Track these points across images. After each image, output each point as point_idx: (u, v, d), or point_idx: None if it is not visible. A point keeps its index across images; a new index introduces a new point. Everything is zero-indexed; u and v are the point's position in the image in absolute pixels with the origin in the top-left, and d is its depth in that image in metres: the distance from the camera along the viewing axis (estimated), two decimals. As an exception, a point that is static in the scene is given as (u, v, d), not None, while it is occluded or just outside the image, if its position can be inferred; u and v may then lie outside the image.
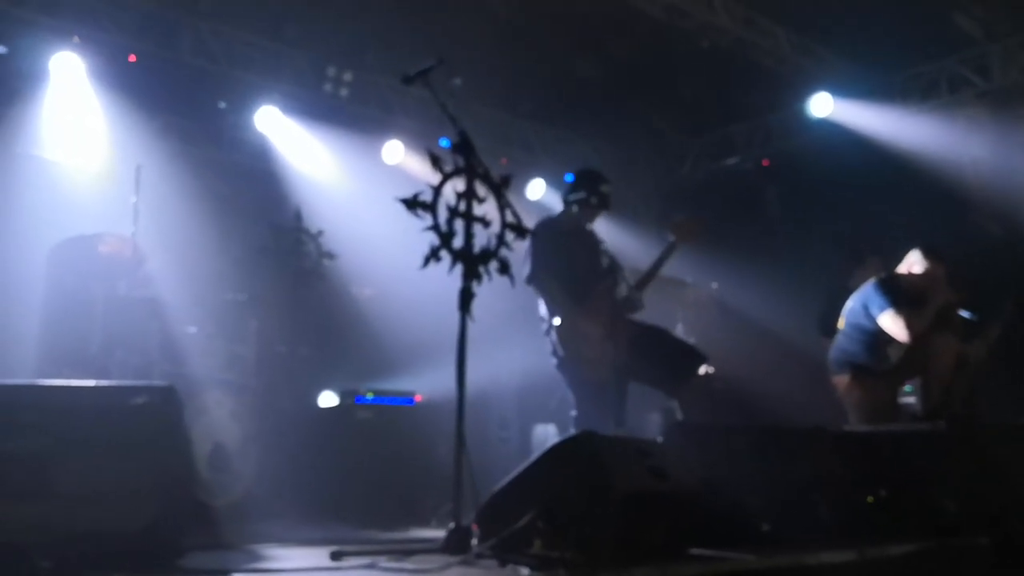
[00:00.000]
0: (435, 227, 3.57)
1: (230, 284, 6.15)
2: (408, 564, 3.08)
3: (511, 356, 7.03)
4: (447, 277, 3.60)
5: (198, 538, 3.61)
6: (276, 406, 5.92)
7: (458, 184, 3.68)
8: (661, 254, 5.35)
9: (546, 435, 6.97)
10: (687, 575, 2.88)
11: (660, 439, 3.82)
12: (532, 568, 2.83)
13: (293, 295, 6.28)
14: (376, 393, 6.06)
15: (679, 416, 5.05)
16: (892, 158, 7.73)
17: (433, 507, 5.25)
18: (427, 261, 3.57)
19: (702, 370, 4.92)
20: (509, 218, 3.78)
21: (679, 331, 6.90)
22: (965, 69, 7.88)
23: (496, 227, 3.74)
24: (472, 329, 3.57)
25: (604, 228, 5.58)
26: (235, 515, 4.85)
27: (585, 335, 4.85)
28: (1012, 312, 5.77)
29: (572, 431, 4.55)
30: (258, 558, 3.47)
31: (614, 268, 5.25)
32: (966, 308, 5.66)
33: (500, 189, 3.78)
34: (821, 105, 8.31)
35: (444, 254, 3.57)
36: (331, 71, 8.02)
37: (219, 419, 5.34)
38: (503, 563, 2.95)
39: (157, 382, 4.39)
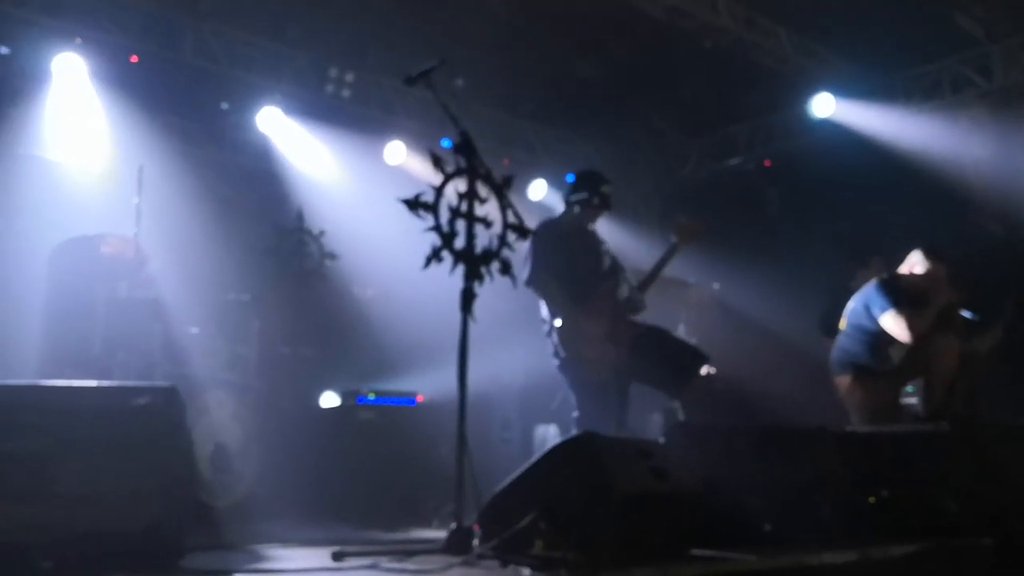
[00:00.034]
0: (437, 228, 3.57)
1: (232, 285, 6.15)
2: (410, 565, 3.08)
3: (513, 357, 7.03)
4: (449, 278, 3.60)
5: (199, 538, 3.61)
6: (278, 406, 5.92)
7: (460, 185, 3.68)
8: (663, 255, 5.36)
9: (548, 436, 6.97)
10: (688, 575, 2.88)
11: (662, 440, 3.82)
12: (533, 568, 2.83)
13: (295, 296, 6.29)
14: (378, 393, 6.06)
15: (680, 417, 5.05)
16: (893, 158, 7.73)
17: (435, 508, 5.25)
18: (429, 262, 3.57)
19: (704, 371, 4.91)
20: (511, 219, 3.78)
21: (681, 332, 6.90)
22: (967, 69, 7.88)
23: (498, 228, 3.74)
24: (474, 330, 3.57)
25: (605, 229, 5.58)
26: (237, 515, 4.84)
27: (586, 336, 4.85)
28: (1012, 312, 5.77)
29: (574, 432, 4.55)
30: (259, 558, 3.47)
31: (616, 269, 5.25)
32: (967, 308, 5.65)
33: (502, 190, 3.78)
34: (823, 105, 8.31)
35: (446, 255, 3.57)
36: (333, 72, 8.04)
37: (221, 419, 5.33)
38: (504, 564, 2.94)
39: (159, 383, 4.39)
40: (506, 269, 3.74)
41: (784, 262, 8.33)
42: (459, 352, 3.54)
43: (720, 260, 7.44)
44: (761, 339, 7.49)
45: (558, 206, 5.74)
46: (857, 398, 5.52)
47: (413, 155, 8.45)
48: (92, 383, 3.43)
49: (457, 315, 3.55)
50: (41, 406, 3.03)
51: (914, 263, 5.72)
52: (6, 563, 2.77)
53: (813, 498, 3.74)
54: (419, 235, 3.59)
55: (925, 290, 5.55)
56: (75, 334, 5.11)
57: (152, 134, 7.21)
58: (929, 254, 5.67)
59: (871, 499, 3.91)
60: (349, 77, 8.09)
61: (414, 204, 3.56)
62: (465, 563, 3.04)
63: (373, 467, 5.67)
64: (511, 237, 3.77)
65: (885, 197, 7.71)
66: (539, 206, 8.85)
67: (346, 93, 8.13)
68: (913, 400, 5.94)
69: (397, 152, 8.60)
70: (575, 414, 4.94)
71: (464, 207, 3.65)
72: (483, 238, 3.69)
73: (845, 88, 8.25)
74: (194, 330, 5.52)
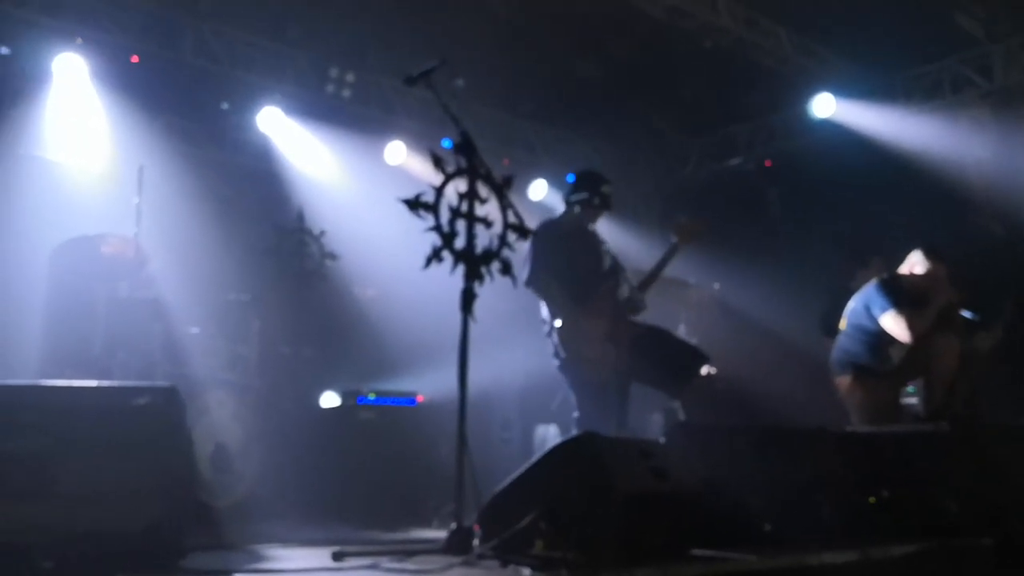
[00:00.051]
0: (437, 228, 3.57)
1: (232, 285, 6.16)
2: (410, 565, 3.08)
3: (513, 357, 7.02)
4: (449, 278, 3.60)
5: (200, 538, 3.61)
6: (278, 406, 5.92)
7: (460, 185, 3.68)
8: (664, 255, 5.36)
9: (548, 436, 6.97)
10: (688, 575, 2.88)
11: (662, 440, 3.82)
12: (534, 569, 2.83)
13: (295, 296, 6.29)
14: (378, 394, 6.06)
15: (681, 417, 5.05)
16: (893, 159, 7.73)
17: (435, 508, 5.25)
18: (429, 262, 3.57)
19: (704, 371, 4.91)
20: (511, 219, 3.78)
21: (681, 332, 6.90)
22: (967, 69, 7.88)
23: (498, 228, 3.74)
24: (474, 330, 3.57)
25: (605, 229, 5.58)
26: (237, 515, 4.84)
27: (587, 336, 4.85)
28: (1012, 312, 5.77)
29: (574, 432, 4.55)
30: (260, 559, 3.47)
31: (616, 269, 5.25)
32: (967, 308, 5.65)
33: (502, 190, 3.78)
34: (823, 105, 8.31)
35: (446, 255, 3.57)
36: (333, 72, 8.04)
37: (221, 419, 5.33)
38: (505, 564, 2.94)
39: (159, 383, 4.39)
40: (506, 269, 3.73)
41: (784, 262, 8.33)
42: (459, 352, 3.54)
43: (720, 260, 7.43)
44: (761, 339, 7.49)
45: (558, 206, 5.74)
46: (857, 398, 5.52)
47: (413, 155, 8.45)
48: (92, 383, 3.43)
49: (457, 315, 3.55)
50: (41, 406, 3.03)
51: (914, 263, 5.72)
52: (6, 563, 2.77)
53: (813, 498, 3.74)
54: (419, 235, 3.59)
55: (925, 290, 5.55)
56: (75, 334, 5.11)
57: (152, 134, 7.22)
58: (929, 254, 5.68)
59: (871, 499, 3.91)
60: (349, 77, 8.10)
61: (414, 204, 3.56)
62: (465, 563, 3.04)
63: (373, 467, 5.66)
64: (511, 237, 3.77)
65: (885, 197, 7.71)
66: (539, 206, 8.85)
67: (346, 93, 8.13)
68: (913, 400, 5.94)
69: (397, 152, 8.61)
70: (575, 414, 4.94)
71: (464, 207, 3.65)
72: (483, 238, 3.69)
73: (845, 88, 8.25)
74: (194, 330, 5.52)
